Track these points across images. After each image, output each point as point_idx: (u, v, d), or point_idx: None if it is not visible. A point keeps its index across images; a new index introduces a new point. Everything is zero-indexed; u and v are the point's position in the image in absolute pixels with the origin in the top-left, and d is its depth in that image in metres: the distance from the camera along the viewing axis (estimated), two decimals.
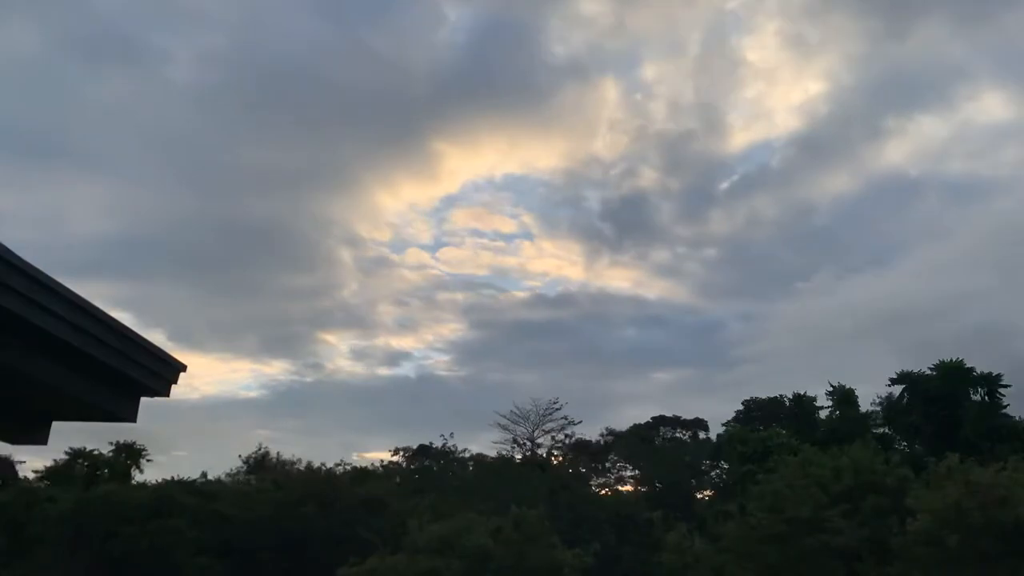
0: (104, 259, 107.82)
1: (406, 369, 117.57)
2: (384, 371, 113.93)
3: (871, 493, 30.59)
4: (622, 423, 74.98)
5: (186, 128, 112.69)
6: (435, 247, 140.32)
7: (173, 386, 4.92)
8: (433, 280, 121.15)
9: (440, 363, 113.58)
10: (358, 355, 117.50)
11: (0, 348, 3.79)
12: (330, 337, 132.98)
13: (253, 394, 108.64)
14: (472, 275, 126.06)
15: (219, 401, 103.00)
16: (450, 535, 30.14)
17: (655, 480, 62.67)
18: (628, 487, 65.40)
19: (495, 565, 29.21)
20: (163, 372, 4.77)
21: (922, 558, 26.42)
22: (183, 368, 4.90)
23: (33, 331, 3.79)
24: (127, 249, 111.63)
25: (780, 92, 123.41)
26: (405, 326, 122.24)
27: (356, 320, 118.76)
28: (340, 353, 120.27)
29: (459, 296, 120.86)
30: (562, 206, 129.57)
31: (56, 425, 5.05)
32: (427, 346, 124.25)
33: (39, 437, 4.99)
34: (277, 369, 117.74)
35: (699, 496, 58.29)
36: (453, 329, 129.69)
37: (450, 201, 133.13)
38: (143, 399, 4.92)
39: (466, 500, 43.70)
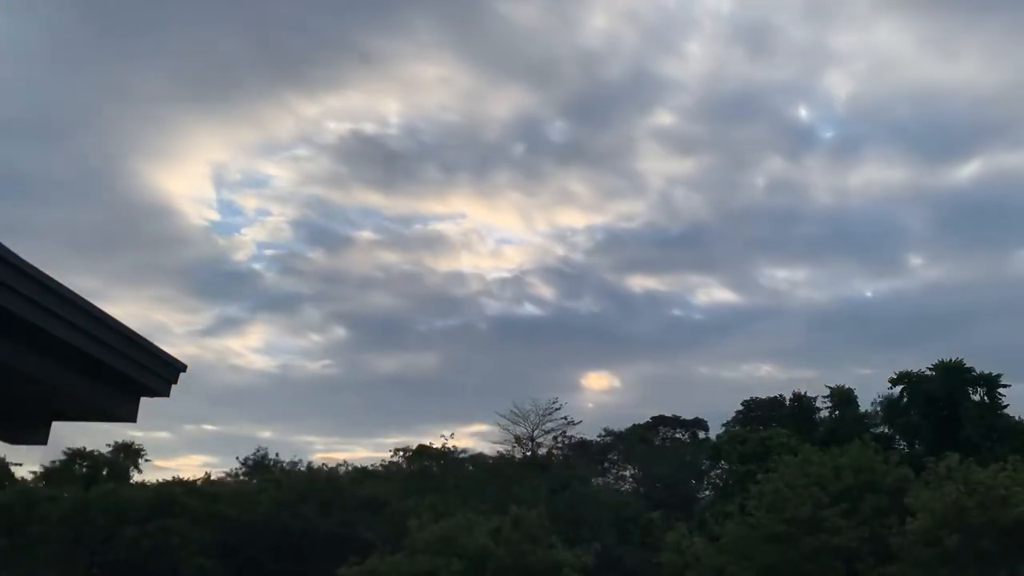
0: None
1: None
2: None
3: (871, 493, 30.61)
4: None
5: None
6: None
7: (173, 386, 4.93)
8: None
9: None
10: None
11: (0, 348, 3.79)
12: None
13: None
14: None
15: None
16: (450, 535, 30.14)
17: (655, 480, 62.72)
18: (628, 486, 65.47)
19: (495, 565, 29.20)
20: (163, 372, 4.77)
21: (922, 558, 26.43)
22: (183, 368, 4.90)
23: (33, 331, 3.80)
24: None
25: None
26: None
27: None
28: None
29: None
30: None
31: (56, 425, 5.06)
32: None
33: (39, 437, 5.00)
34: None
35: (699, 496, 58.30)
36: None
37: None
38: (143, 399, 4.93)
39: (466, 500, 43.71)
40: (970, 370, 44.54)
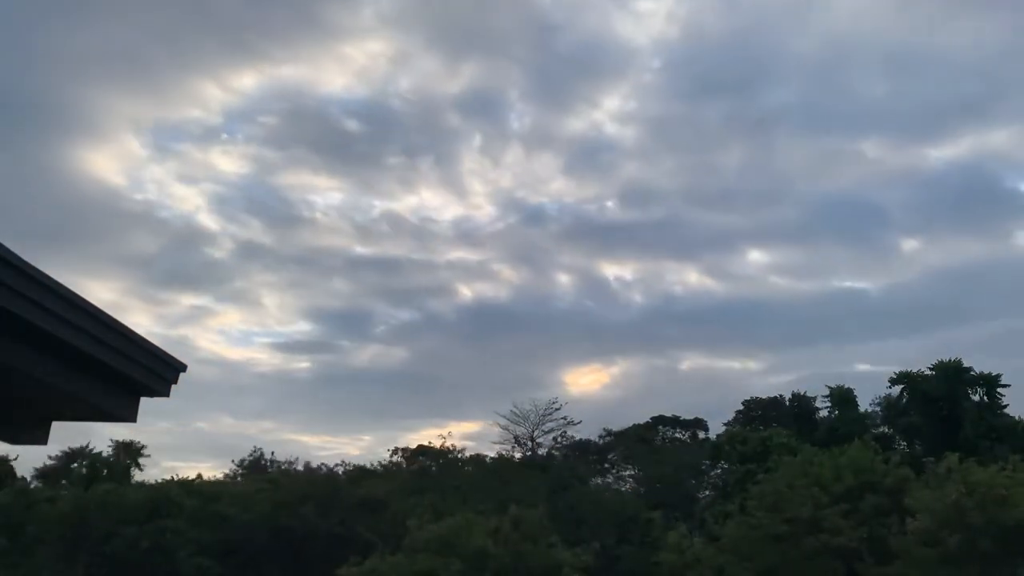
0: None
1: None
2: None
3: (870, 493, 30.61)
4: None
5: None
6: None
7: (173, 386, 4.92)
8: None
9: None
10: None
11: (0, 348, 3.79)
12: None
13: None
14: None
15: None
16: (449, 535, 30.15)
17: (655, 480, 62.70)
18: (628, 486, 65.45)
19: (494, 565, 29.21)
20: (163, 372, 4.77)
21: (922, 558, 26.43)
22: (183, 368, 4.89)
23: (33, 331, 3.79)
24: None
25: None
26: None
27: None
28: None
29: None
30: None
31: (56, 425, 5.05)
32: None
33: (39, 437, 4.99)
34: None
35: (699, 496, 58.28)
36: None
37: None
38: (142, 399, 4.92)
39: (466, 500, 43.70)
40: (969, 370, 44.56)
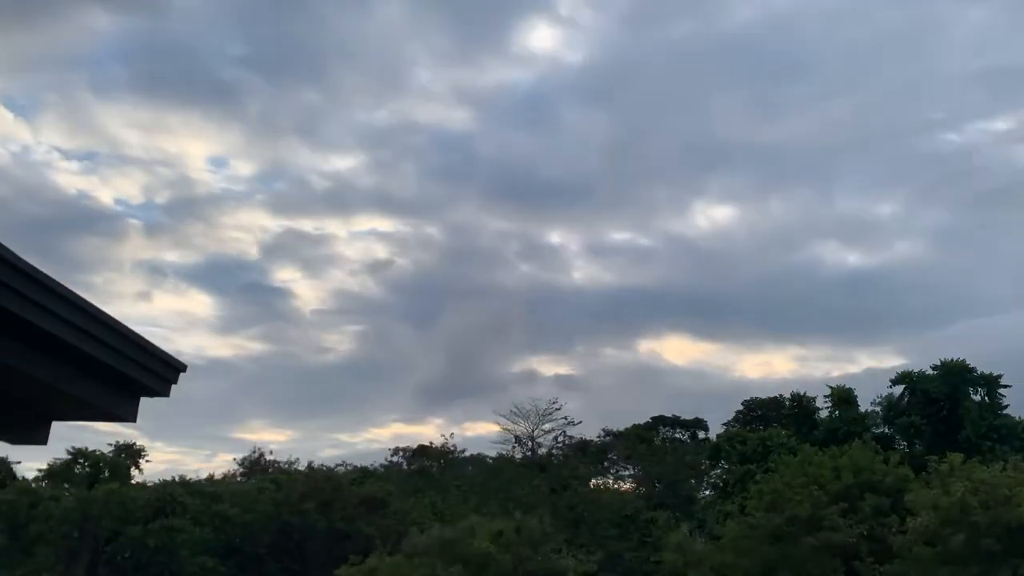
0: None
1: None
2: None
3: (870, 493, 30.61)
4: None
5: None
6: None
7: (173, 386, 4.93)
8: None
9: None
10: None
11: (0, 348, 3.80)
12: None
13: None
14: None
15: None
16: (451, 539, 30.08)
17: (655, 480, 62.68)
18: (628, 486, 65.43)
19: (495, 570, 29.13)
20: (163, 372, 4.78)
21: (922, 557, 26.44)
22: (183, 368, 4.90)
23: (33, 331, 3.80)
24: None
25: None
26: None
27: None
28: None
29: None
30: None
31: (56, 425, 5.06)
32: None
33: (39, 437, 5.00)
34: None
35: (699, 496, 58.27)
36: None
37: None
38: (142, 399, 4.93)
39: (466, 500, 43.71)
40: (971, 370, 44.51)
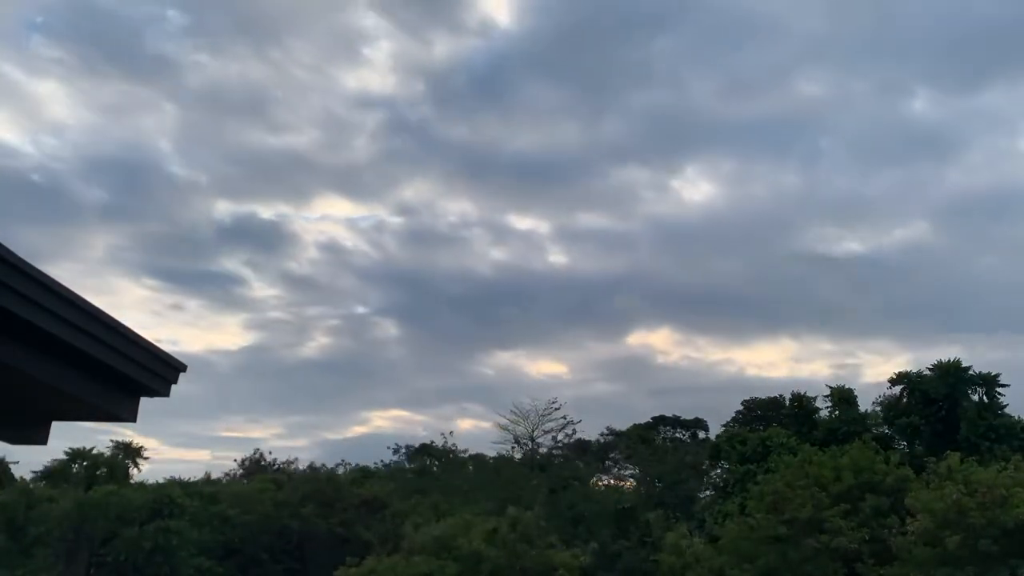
0: None
1: None
2: None
3: (871, 493, 30.57)
4: None
5: None
6: None
7: (173, 386, 4.92)
8: None
9: None
10: None
11: (0, 348, 3.79)
12: None
13: None
14: None
15: None
16: (445, 537, 30.22)
17: (655, 480, 62.64)
18: (628, 484, 65.42)
19: (489, 566, 29.27)
20: (163, 372, 4.77)
21: (922, 558, 26.41)
22: (183, 368, 4.90)
23: (33, 331, 3.80)
24: None
25: None
26: None
27: None
28: None
29: None
30: None
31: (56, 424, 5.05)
32: None
33: (39, 437, 4.99)
34: None
35: (699, 496, 58.23)
36: None
37: None
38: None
39: (467, 500, 43.68)
40: (969, 370, 44.50)
